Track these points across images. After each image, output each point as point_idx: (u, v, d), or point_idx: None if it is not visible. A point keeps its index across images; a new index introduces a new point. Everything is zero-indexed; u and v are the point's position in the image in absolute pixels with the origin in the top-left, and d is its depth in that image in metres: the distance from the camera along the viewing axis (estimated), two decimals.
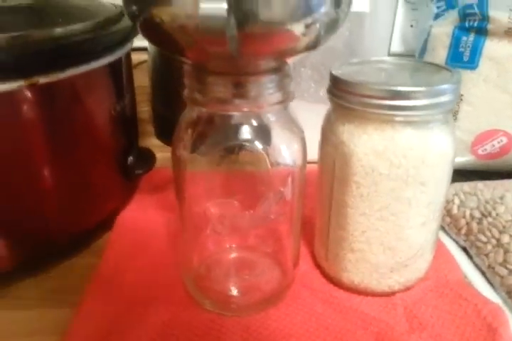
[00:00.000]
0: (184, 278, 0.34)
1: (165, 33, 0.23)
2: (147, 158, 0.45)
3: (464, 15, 0.44)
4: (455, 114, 0.46)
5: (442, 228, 0.41)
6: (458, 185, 0.42)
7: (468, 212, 0.39)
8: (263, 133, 0.29)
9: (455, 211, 0.40)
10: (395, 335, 0.30)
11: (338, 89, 0.29)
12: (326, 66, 0.48)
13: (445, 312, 0.32)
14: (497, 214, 0.37)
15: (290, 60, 0.26)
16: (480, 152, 0.48)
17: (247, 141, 0.28)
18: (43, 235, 0.36)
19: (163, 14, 0.21)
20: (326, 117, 0.32)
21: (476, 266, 0.37)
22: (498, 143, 0.46)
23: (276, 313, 0.32)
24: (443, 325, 0.31)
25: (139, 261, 0.37)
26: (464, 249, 0.39)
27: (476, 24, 0.44)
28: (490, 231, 0.36)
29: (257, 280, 0.34)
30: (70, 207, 0.37)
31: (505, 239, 0.35)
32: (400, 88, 0.26)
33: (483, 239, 0.36)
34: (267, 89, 0.26)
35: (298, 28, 0.22)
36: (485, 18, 0.43)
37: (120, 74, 0.41)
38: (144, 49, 0.59)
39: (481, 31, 0.44)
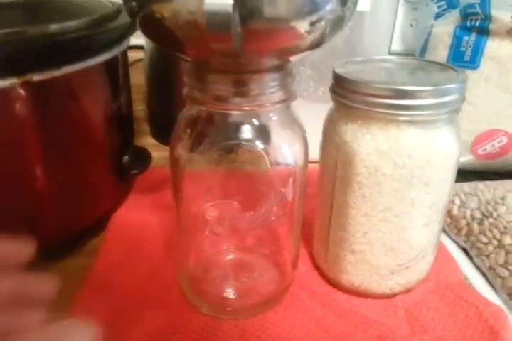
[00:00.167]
0: (180, 280, 0.34)
1: (166, 29, 0.22)
2: (143, 158, 0.45)
3: (465, 15, 0.44)
4: None
5: (442, 229, 0.40)
6: (458, 185, 0.41)
7: (468, 213, 0.38)
8: (263, 132, 0.28)
9: (455, 211, 0.39)
10: (396, 338, 0.30)
11: (342, 88, 0.28)
12: (325, 65, 0.47)
13: (446, 315, 0.32)
14: (498, 215, 0.36)
15: (294, 59, 0.26)
16: (480, 152, 0.47)
17: (247, 140, 0.27)
18: (36, 235, 0.35)
19: (165, 10, 0.21)
20: (328, 117, 0.32)
21: (477, 267, 0.36)
22: (499, 143, 0.46)
23: (274, 316, 0.32)
24: (444, 327, 0.31)
25: (134, 262, 0.36)
26: (464, 250, 0.38)
27: (477, 24, 0.43)
28: (491, 232, 0.36)
29: (255, 282, 0.33)
30: (63, 206, 0.36)
31: (507, 240, 0.35)
32: (405, 87, 0.26)
33: (484, 239, 0.36)
34: (268, 88, 0.25)
35: (303, 26, 0.22)
36: (487, 17, 0.42)
37: (116, 72, 0.40)
38: (140, 47, 0.58)
39: (483, 31, 0.43)
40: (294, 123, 0.29)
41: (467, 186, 0.41)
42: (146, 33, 0.25)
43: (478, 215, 0.38)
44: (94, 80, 0.37)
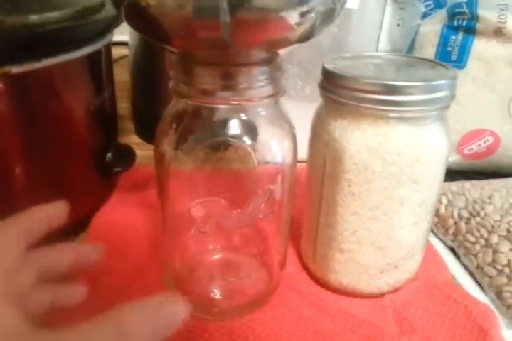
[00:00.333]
0: (164, 281, 0.33)
1: (152, 18, 0.21)
2: (126, 155, 0.43)
3: (452, 15, 0.44)
4: None
5: (430, 228, 0.40)
6: (445, 184, 0.41)
7: (456, 212, 0.38)
8: (250, 128, 0.28)
9: (443, 211, 0.39)
10: (385, 338, 0.29)
11: (331, 84, 0.28)
12: (312, 63, 0.47)
13: (435, 314, 0.31)
14: (485, 214, 0.36)
15: (283, 52, 0.25)
16: (466, 152, 0.48)
17: (235, 136, 0.27)
18: None
19: None
20: (317, 113, 0.31)
21: (464, 266, 0.36)
22: (485, 142, 0.46)
23: (261, 317, 0.31)
24: (433, 327, 0.30)
25: (117, 263, 0.35)
26: (452, 249, 0.38)
27: (464, 23, 0.44)
28: (478, 231, 0.36)
29: (242, 282, 0.33)
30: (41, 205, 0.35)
31: (494, 239, 0.35)
32: (395, 83, 0.26)
33: (472, 239, 0.36)
34: (257, 82, 0.25)
35: (293, 17, 0.21)
36: (474, 17, 0.43)
37: (99, 66, 0.39)
38: (124, 43, 0.57)
39: (470, 30, 0.44)
40: (282, 120, 0.28)
41: (454, 185, 0.41)
42: (132, 23, 0.24)
43: (465, 214, 0.38)
44: (76, 74, 0.35)
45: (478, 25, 0.43)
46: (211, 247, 0.35)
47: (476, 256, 0.35)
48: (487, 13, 0.42)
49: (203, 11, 0.19)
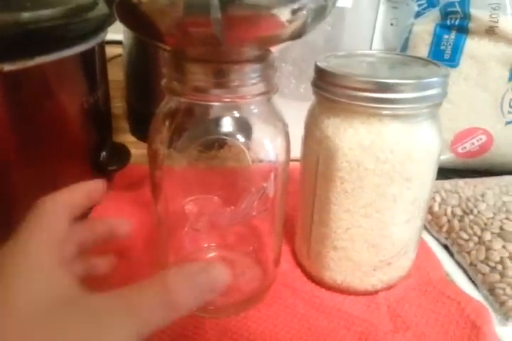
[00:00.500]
0: None
1: (143, 15, 0.21)
2: (121, 154, 0.43)
3: (445, 14, 0.44)
4: None
5: (423, 226, 0.40)
6: (439, 182, 0.41)
7: (449, 210, 0.38)
8: (244, 126, 0.28)
9: (436, 208, 0.39)
10: (379, 335, 0.30)
11: (324, 82, 0.28)
12: (306, 62, 0.47)
13: (429, 311, 0.32)
14: (478, 212, 0.37)
15: (275, 49, 0.25)
16: (459, 150, 0.48)
17: (228, 134, 0.27)
18: (7, 236, 0.34)
19: None
20: (310, 111, 0.31)
21: (458, 263, 0.36)
22: (478, 141, 0.47)
23: (256, 314, 0.31)
24: (427, 323, 0.31)
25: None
26: (445, 247, 0.38)
27: (457, 22, 0.44)
28: (471, 228, 0.36)
29: (237, 280, 0.33)
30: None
31: (487, 236, 0.35)
32: (387, 80, 0.26)
33: (465, 236, 0.36)
34: (250, 79, 0.25)
35: (284, 14, 0.21)
36: (466, 16, 0.43)
37: (93, 64, 0.39)
38: (119, 42, 0.56)
39: (462, 29, 0.44)
40: (275, 117, 0.28)
41: (448, 183, 0.41)
42: (124, 20, 0.24)
43: (458, 212, 0.38)
44: (69, 72, 0.35)
45: (471, 25, 0.43)
46: (206, 245, 0.35)
47: (469, 253, 0.35)
48: (479, 13, 0.42)
49: (194, 8, 0.19)
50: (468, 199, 0.38)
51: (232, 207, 0.28)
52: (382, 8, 0.52)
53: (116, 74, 0.55)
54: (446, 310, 0.31)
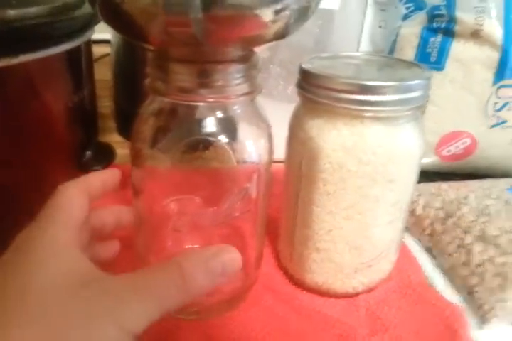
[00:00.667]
0: None
1: (125, 14, 0.21)
2: (106, 154, 0.43)
3: (431, 17, 0.45)
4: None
5: (406, 228, 0.40)
6: (423, 185, 0.42)
7: (432, 213, 0.39)
8: (229, 127, 0.28)
9: (420, 211, 0.40)
10: (357, 337, 0.30)
11: (308, 83, 0.28)
12: (294, 63, 0.47)
13: (407, 314, 0.32)
14: (461, 215, 0.37)
15: (259, 49, 0.25)
16: (444, 153, 0.48)
17: (212, 134, 0.27)
18: None
19: None
20: (295, 112, 0.31)
21: (439, 266, 0.37)
22: (462, 144, 0.47)
23: (236, 316, 0.31)
24: (405, 326, 0.31)
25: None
26: (428, 249, 0.38)
27: (443, 25, 0.44)
28: (453, 231, 0.36)
29: None
30: (16, 205, 0.35)
31: (468, 239, 0.35)
32: (370, 83, 0.26)
33: (447, 239, 0.36)
34: (233, 79, 0.25)
35: (267, 14, 0.21)
36: (452, 19, 0.43)
37: (79, 63, 0.39)
38: (107, 41, 0.56)
39: (448, 32, 0.44)
40: (259, 118, 0.28)
41: (432, 186, 0.42)
42: (107, 19, 0.24)
43: (441, 215, 0.38)
44: (54, 70, 0.35)
45: (457, 28, 0.43)
46: (188, 246, 0.34)
47: (450, 256, 0.35)
48: (465, 16, 0.42)
49: (174, 7, 0.19)
50: (451, 202, 0.38)
51: (214, 208, 0.28)
52: (370, 10, 0.53)
53: (104, 73, 0.55)
54: (424, 313, 0.31)
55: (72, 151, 0.39)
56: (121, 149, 0.46)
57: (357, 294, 0.33)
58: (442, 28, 0.44)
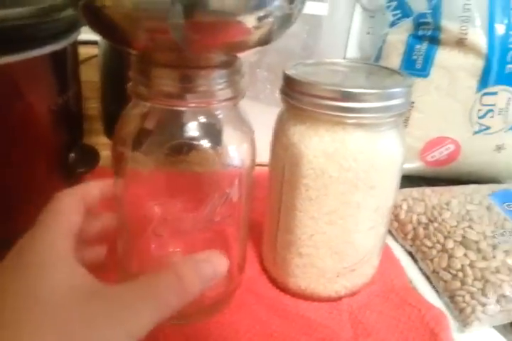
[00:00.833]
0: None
1: (106, 18, 0.21)
2: (90, 156, 0.43)
3: (417, 24, 0.45)
4: (406, 121, 0.47)
5: (389, 233, 0.41)
6: (407, 190, 0.42)
7: (415, 217, 0.39)
8: (213, 132, 0.28)
9: (403, 216, 0.40)
10: None
11: (291, 89, 0.28)
12: (282, 67, 0.47)
13: (390, 318, 0.32)
14: (443, 220, 0.37)
15: (242, 55, 0.25)
16: (429, 158, 0.49)
17: (194, 138, 0.27)
18: None
19: None
20: (279, 117, 0.31)
21: (421, 270, 0.37)
22: (446, 150, 0.48)
23: (219, 320, 0.31)
24: (387, 330, 0.31)
25: None
26: (410, 254, 0.39)
27: (429, 33, 0.45)
28: (435, 236, 0.37)
29: None
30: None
31: (450, 244, 0.35)
32: (351, 90, 0.26)
33: (429, 244, 0.37)
34: (216, 85, 0.25)
35: (250, 21, 0.21)
36: (437, 27, 0.44)
37: (64, 65, 0.39)
38: (94, 43, 0.56)
39: (434, 40, 0.45)
40: (242, 123, 0.28)
41: (415, 191, 0.42)
42: (89, 23, 0.24)
43: (424, 220, 0.39)
44: (39, 72, 0.35)
45: (442, 36, 0.44)
46: (171, 250, 0.34)
47: (432, 260, 0.36)
48: (450, 24, 0.43)
49: (154, 12, 0.19)
50: (433, 208, 0.39)
51: (195, 213, 0.28)
52: (359, 17, 0.53)
53: (92, 74, 0.55)
54: (406, 317, 0.32)
55: (56, 153, 0.39)
56: (108, 151, 0.46)
57: (340, 298, 0.33)
58: (428, 35, 0.45)
